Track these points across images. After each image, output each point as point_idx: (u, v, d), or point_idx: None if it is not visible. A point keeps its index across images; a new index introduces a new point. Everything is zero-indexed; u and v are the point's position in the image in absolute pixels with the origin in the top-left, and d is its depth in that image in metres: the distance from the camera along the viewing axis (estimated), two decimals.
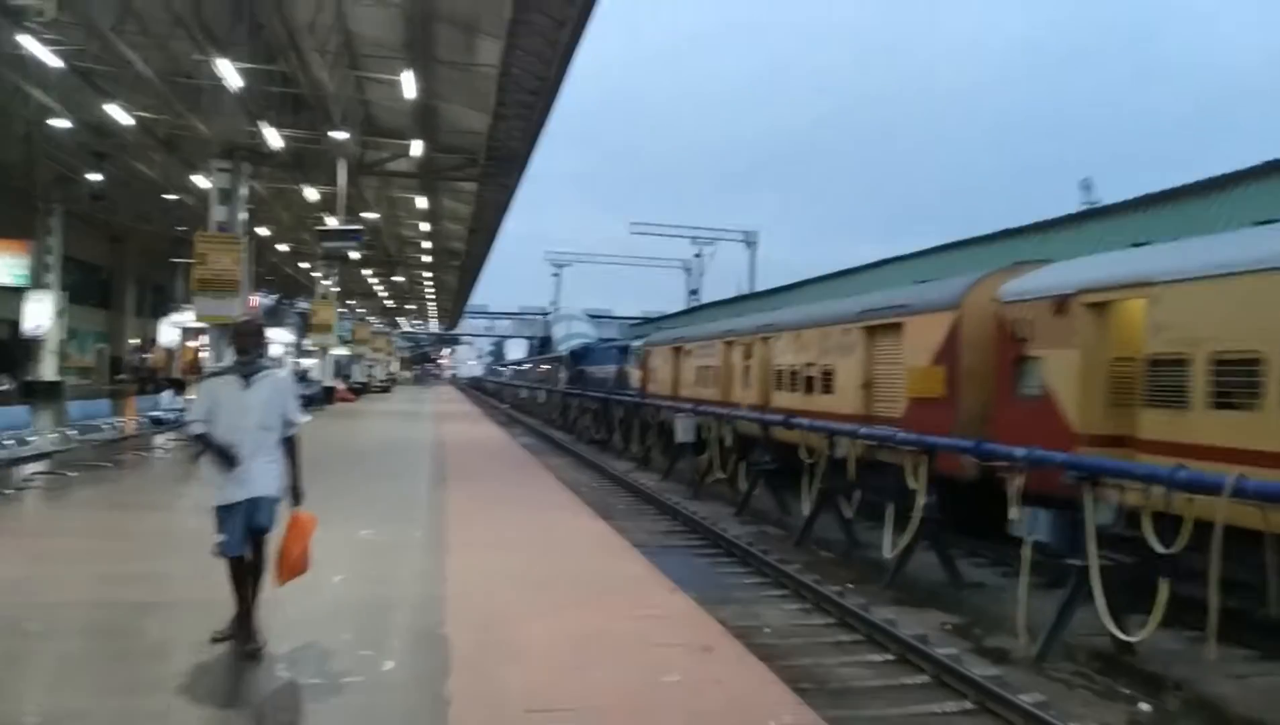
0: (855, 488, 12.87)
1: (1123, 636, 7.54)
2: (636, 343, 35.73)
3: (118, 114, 18.22)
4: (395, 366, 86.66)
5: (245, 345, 5.59)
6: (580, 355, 46.24)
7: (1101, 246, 16.75)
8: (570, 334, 79.38)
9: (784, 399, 17.87)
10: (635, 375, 31.98)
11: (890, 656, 7.97)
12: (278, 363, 35.56)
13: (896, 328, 14.14)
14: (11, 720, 4.34)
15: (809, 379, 17.01)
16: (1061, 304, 10.64)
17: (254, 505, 5.34)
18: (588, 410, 33.00)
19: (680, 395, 24.65)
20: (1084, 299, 10.35)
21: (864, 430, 12.59)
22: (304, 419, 4.03)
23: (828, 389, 16.14)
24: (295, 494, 5.58)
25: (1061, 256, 13.32)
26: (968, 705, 6.78)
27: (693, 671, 5.35)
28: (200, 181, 23.57)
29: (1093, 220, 22.31)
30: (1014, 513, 8.77)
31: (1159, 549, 7.11)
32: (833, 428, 13.35)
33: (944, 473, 10.89)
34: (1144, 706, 6.99)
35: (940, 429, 11.44)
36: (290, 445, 5.57)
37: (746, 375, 20.50)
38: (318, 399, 35.35)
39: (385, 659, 5.43)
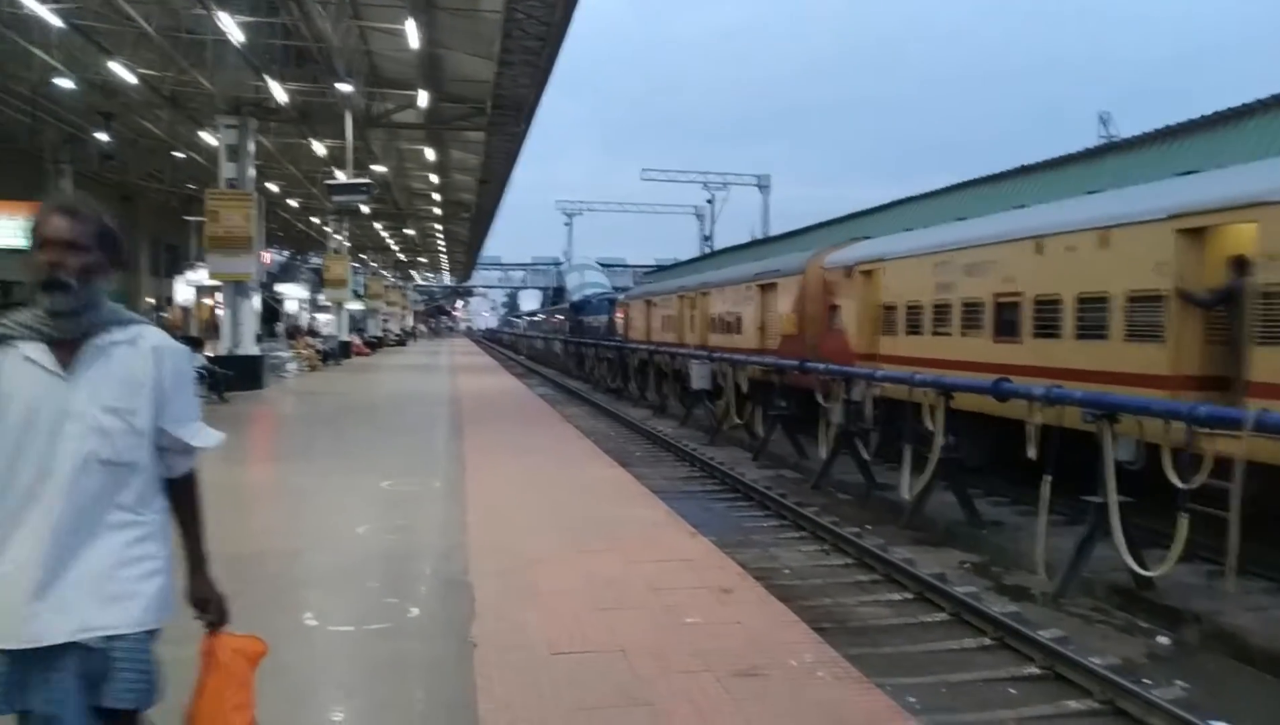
0: (872, 430, 12.92)
1: (1141, 572, 7.57)
2: (620, 297, 42.63)
3: (121, 72, 18.07)
4: (410, 320, 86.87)
5: (62, 272, 2.21)
6: (580, 306, 52.53)
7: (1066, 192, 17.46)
8: (584, 283, 79.14)
9: (715, 339, 23.78)
10: (620, 323, 37.95)
11: (909, 595, 8.04)
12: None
13: (774, 286, 20.06)
14: None
15: (728, 323, 23.01)
16: (849, 271, 16.56)
17: (89, 659, 2.20)
18: (603, 358, 33.12)
19: (651, 340, 30.58)
20: (859, 268, 16.18)
21: (879, 373, 12.60)
22: (212, 439, 2.43)
23: (739, 331, 22.02)
24: (202, 599, 2.52)
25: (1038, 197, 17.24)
26: (986, 642, 6.85)
27: (713, 613, 5.41)
28: (208, 138, 23.42)
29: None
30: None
31: (1179, 484, 7.10)
32: (848, 371, 13.34)
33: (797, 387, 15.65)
34: (1162, 639, 7.04)
35: (795, 354, 16.82)
36: (184, 496, 2.49)
37: (693, 322, 26.35)
38: (334, 354, 35.56)
39: (411, 606, 5.52)
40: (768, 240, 44.93)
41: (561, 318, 61.06)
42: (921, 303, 14.00)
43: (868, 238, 18.61)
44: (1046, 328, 11.16)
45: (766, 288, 20.42)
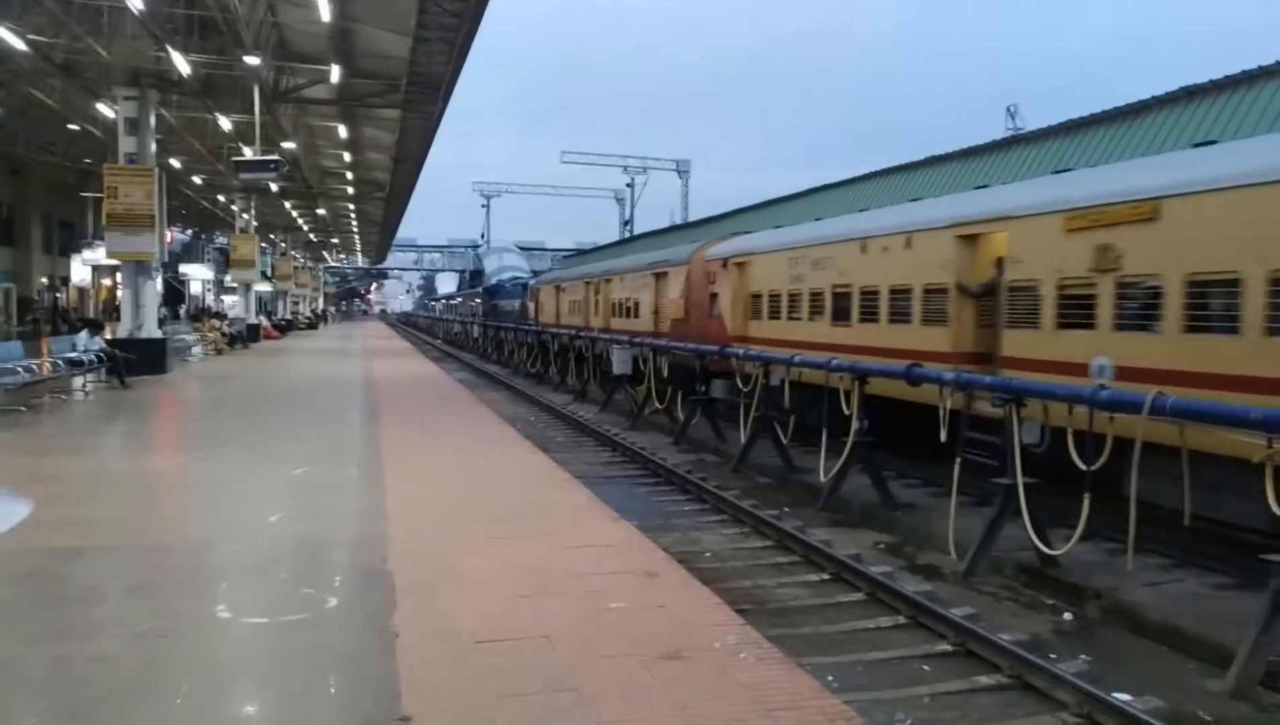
0: (790, 414, 13.14)
1: (1047, 550, 7.88)
2: (532, 282, 44.90)
3: (7, 37, 17.02)
4: (321, 302, 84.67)
5: None
6: (494, 291, 56.07)
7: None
8: (502, 267, 78.40)
9: (616, 323, 25.58)
10: (532, 308, 39.87)
11: (826, 576, 8.20)
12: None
13: (665, 275, 22.21)
14: None
15: (627, 308, 25.00)
16: (725, 263, 18.55)
17: None
18: (523, 343, 32.87)
19: (559, 323, 32.38)
20: (733, 261, 18.21)
21: (796, 358, 12.79)
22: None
23: (638, 315, 24.02)
24: None
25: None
26: (901, 620, 7.03)
27: (637, 597, 5.42)
28: (105, 110, 22.30)
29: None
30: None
31: (1081, 466, 7.39)
32: (768, 357, 13.51)
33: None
34: (1067, 615, 7.35)
35: (682, 337, 19.34)
36: None
37: (596, 307, 28.22)
38: (242, 337, 34.43)
39: (329, 596, 5.38)
40: (669, 230, 49.03)
41: (479, 301, 61.11)
42: (780, 292, 16.20)
43: (748, 232, 21.25)
44: (869, 313, 13.31)
45: (659, 276, 22.67)
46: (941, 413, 9.08)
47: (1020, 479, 7.94)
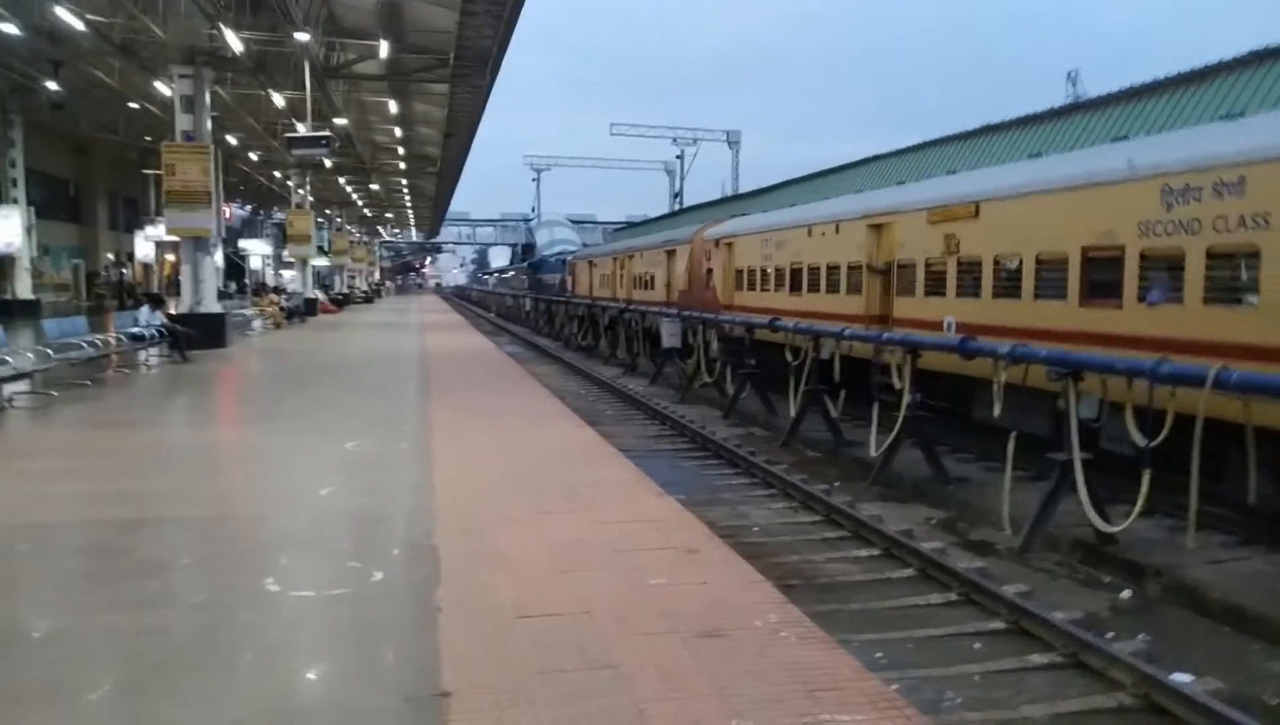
0: (841, 387, 12.96)
1: (1105, 527, 7.65)
2: (570, 257, 48.22)
3: (67, 17, 17.38)
4: (377, 276, 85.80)
5: None
6: (537, 266, 59.09)
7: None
8: (553, 240, 78.53)
9: (637, 294, 29.24)
10: (570, 282, 43.32)
11: (876, 552, 8.09)
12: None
13: (674, 252, 25.62)
14: (1, 638, 4.33)
15: (645, 282, 28.83)
16: (718, 242, 21.81)
17: None
18: (574, 316, 32.96)
19: (592, 295, 35.39)
20: (723, 241, 21.47)
21: (848, 331, 12.63)
22: None
23: (653, 287, 27.73)
24: None
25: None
26: (953, 597, 6.91)
27: (679, 574, 5.38)
28: (163, 89, 22.72)
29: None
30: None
31: (1140, 441, 7.15)
32: (817, 330, 13.35)
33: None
34: (1125, 594, 7.14)
35: (686, 306, 22.37)
36: None
37: (621, 280, 31.95)
38: (299, 311, 35.05)
39: (374, 570, 5.43)
40: (688, 209, 53.02)
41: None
42: (756, 267, 19.39)
43: (744, 215, 24.55)
44: (813, 286, 16.56)
45: (670, 253, 26.14)
46: (995, 388, 8.85)
47: (1078, 454, 7.72)
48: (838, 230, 15.57)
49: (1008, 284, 11.13)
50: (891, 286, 13.87)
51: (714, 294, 21.53)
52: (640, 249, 30.55)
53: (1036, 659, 5.78)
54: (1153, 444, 7.02)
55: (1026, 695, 5.34)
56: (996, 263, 11.36)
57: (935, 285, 12.70)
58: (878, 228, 14.29)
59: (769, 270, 18.54)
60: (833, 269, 15.71)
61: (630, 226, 64.53)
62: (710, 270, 22.14)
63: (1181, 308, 8.60)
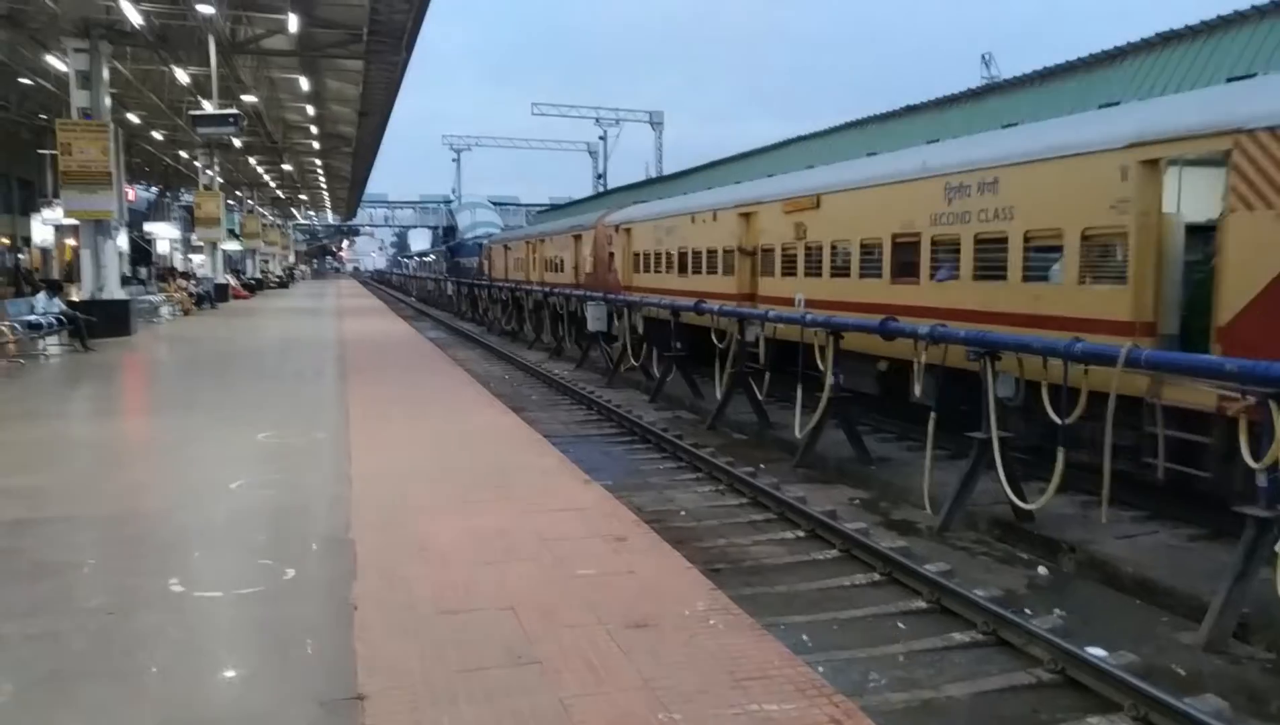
0: (766, 371, 13.03)
1: (1022, 505, 7.82)
2: (485, 241, 50.48)
3: None
4: (292, 260, 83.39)
5: None
6: (455, 250, 62.93)
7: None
8: (475, 222, 77.41)
9: (549, 276, 30.45)
10: (486, 265, 45.21)
11: (802, 533, 8.12)
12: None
13: (580, 237, 27.33)
14: None
15: (556, 265, 30.14)
16: (618, 228, 23.39)
17: None
18: (497, 301, 32.55)
19: (507, 278, 37.05)
20: (622, 227, 23.11)
21: (772, 313, 12.70)
22: None
23: (562, 270, 29.05)
24: None
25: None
26: (876, 577, 6.97)
27: (606, 563, 5.29)
28: (56, 63, 21.50)
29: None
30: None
31: (1056, 419, 7.31)
32: (743, 312, 13.41)
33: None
34: (1042, 569, 7.32)
35: (591, 287, 23.56)
36: None
37: (534, 264, 33.52)
38: (209, 297, 33.81)
39: (287, 567, 5.20)
40: (609, 192, 53.97)
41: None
42: (650, 251, 21.13)
43: (642, 202, 26.68)
44: (696, 268, 18.27)
45: (577, 238, 27.77)
46: (915, 367, 8.98)
47: (996, 433, 7.86)
48: (715, 218, 17.33)
49: (841, 265, 13.00)
50: (756, 268, 15.66)
51: (616, 276, 23.25)
52: (550, 234, 32.78)
53: (958, 637, 5.86)
54: (1068, 423, 7.17)
55: (949, 674, 5.41)
56: (834, 247, 13.18)
57: (789, 266, 14.56)
58: (746, 216, 15.97)
59: (662, 254, 20.31)
60: (712, 253, 17.40)
61: (554, 209, 63.93)
62: (612, 254, 23.85)
63: (959, 283, 10.36)
